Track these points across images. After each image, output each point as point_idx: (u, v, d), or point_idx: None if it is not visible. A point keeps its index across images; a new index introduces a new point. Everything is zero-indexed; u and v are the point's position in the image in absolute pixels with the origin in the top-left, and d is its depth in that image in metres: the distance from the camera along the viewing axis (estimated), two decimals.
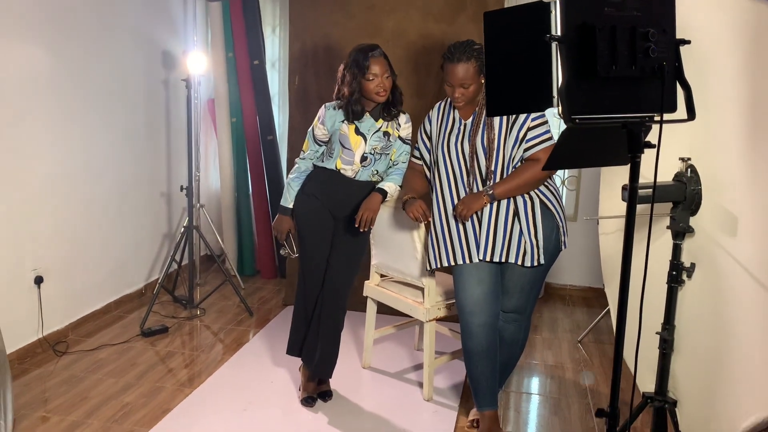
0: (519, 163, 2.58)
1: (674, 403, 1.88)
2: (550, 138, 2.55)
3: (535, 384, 3.37)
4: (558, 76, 1.18)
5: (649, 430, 1.91)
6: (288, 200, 2.93)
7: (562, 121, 1.22)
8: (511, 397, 3.20)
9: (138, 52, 4.25)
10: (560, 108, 1.18)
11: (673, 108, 1.28)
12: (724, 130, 1.74)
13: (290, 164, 4.34)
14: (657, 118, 1.26)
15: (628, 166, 1.34)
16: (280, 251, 3.03)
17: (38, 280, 3.50)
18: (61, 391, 3.10)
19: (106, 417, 2.87)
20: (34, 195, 3.46)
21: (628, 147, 1.27)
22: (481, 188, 2.60)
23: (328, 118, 2.84)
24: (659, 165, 1.95)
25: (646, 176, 2.17)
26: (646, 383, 2.10)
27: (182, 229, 4.25)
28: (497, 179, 2.57)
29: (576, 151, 1.30)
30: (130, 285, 4.36)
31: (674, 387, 1.88)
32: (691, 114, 1.30)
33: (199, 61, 4.04)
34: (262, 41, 4.81)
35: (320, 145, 2.90)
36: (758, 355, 1.61)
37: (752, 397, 1.61)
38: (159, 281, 4.20)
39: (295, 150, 4.30)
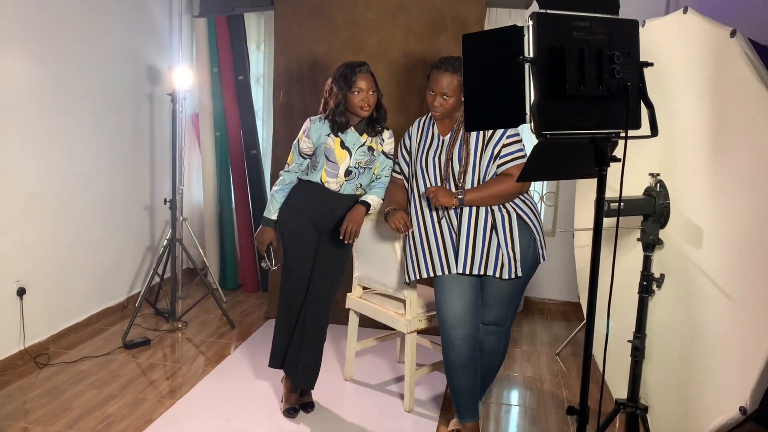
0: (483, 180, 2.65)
1: (645, 409, 1.95)
2: (524, 156, 2.63)
3: (514, 396, 3.43)
4: (531, 94, 1.26)
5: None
6: (271, 212, 2.98)
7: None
8: (490, 408, 3.26)
9: (123, 66, 4.30)
10: (532, 124, 1.25)
11: (637, 125, 1.36)
12: (688, 146, 1.83)
13: (274, 178, 4.39)
14: (622, 135, 1.34)
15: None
16: (261, 263, 3.08)
17: (20, 292, 3.50)
18: (43, 403, 3.10)
19: (88, 428, 2.88)
20: (17, 207, 3.48)
21: (595, 161, 1.35)
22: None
23: (313, 131, 2.91)
24: (631, 180, 2.04)
25: (614, 188, 2.26)
26: (619, 390, 2.17)
27: (165, 242, 4.27)
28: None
29: (547, 164, 1.37)
30: (112, 298, 4.37)
31: (645, 393, 1.95)
32: (654, 131, 1.38)
33: (185, 76, 4.10)
34: (246, 57, 4.88)
35: (305, 158, 2.96)
36: (724, 361, 1.69)
37: (717, 400, 1.69)
38: (141, 294, 4.21)
39: (279, 164, 4.35)
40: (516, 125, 1.33)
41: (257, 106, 5.01)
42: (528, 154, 2.57)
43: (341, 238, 2.81)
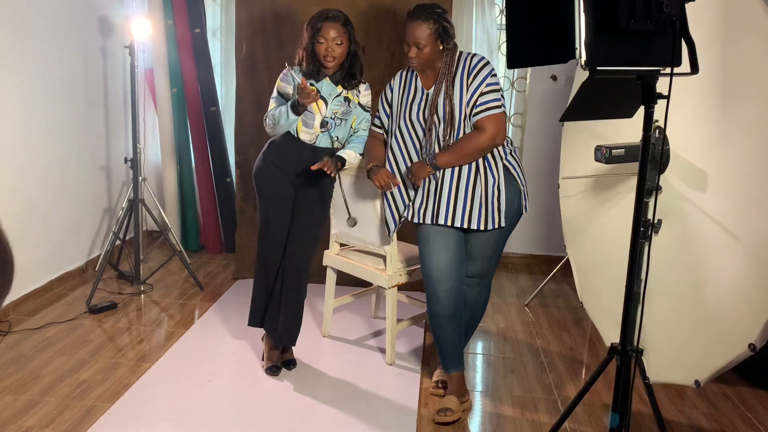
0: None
1: (640, 352, 2.01)
2: (500, 107, 2.60)
3: (490, 346, 3.50)
4: (580, 29, 1.23)
5: (615, 377, 2.03)
6: (282, 107, 2.73)
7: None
8: (469, 358, 3.31)
9: (73, 18, 4.04)
10: (582, 60, 1.23)
11: (678, 62, 1.37)
12: (694, 92, 1.85)
13: (238, 135, 4.26)
14: (665, 71, 1.34)
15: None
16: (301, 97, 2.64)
17: None
18: (10, 371, 2.97)
19: (63, 395, 2.78)
20: None
21: (642, 98, 1.34)
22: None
23: (291, 78, 2.82)
24: (629, 128, 2.05)
25: (612, 140, 2.28)
26: (612, 336, 2.23)
27: (124, 204, 4.11)
28: None
29: (589, 104, 1.36)
30: (71, 262, 4.19)
31: (642, 338, 2.01)
32: (695, 68, 1.39)
33: (144, 28, 3.89)
34: (203, 9, 4.67)
35: (286, 100, 2.85)
36: (729, 298, 1.75)
37: (723, 339, 1.75)
38: (102, 257, 4.05)
39: (242, 122, 4.23)
40: (564, 61, 1.31)
41: (215, 60, 4.82)
42: (504, 109, 2.59)
43: (325, 170, 2.70)
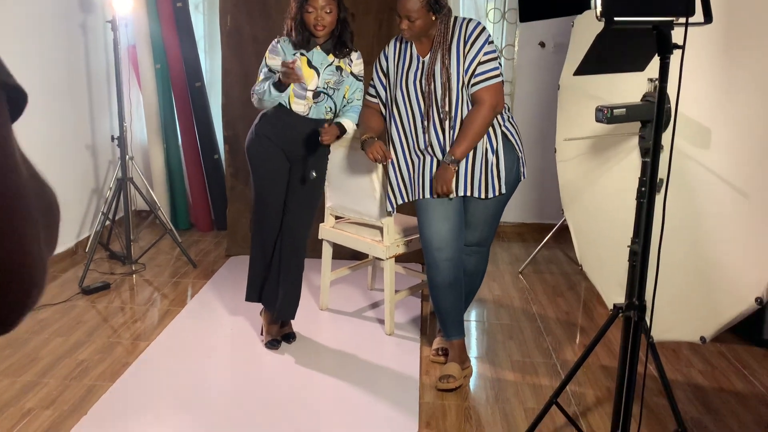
0: (470, 104, 2.59)
1: (644, 309, 2.03)
2: (498, 76, 2.58)
3: (487, 313, 3.52)
4: None
5: (620, 339, 2.05)
6: (268, 82, 2.68)
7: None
8: (467, 326, 3.33)
9: None
10: (598, 10, 1.21)
11: (693, 11, 1.35)
12: (696, 47, 1.83)
13: (225, 110, 4.20)
14: (680, 21, 1.32)
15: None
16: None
17: None
18: (7, 354, 2.93)
19: (62, 375, 2.75)
20: None
21: (658, 49, 1.33)
22: (438, 128, 2.62)
23: (280, 49, 2.77)
24: (628, 87, 2.04)
25: (607, 100, 2.27)
26: (615, 298, 2.25)
27: (112, 183, 4.05)
28: (455, 117, 2.59)
29: (603, 56, 1.35)
30: (60, 243, 4.11)
31: (645, 296, 2.02)
32: (708, 17, 1.37)
33: (125, 1, 3.79)
34: None
35: (274, 74, 2.81)
36: (736, 254, 1.76)
37: (729, 295, 1.77)
38: (92, 238, 4.00)
39: (229, 96, 4.17)
40: (579, 12, 1.29)
41: (198, 35, 4.73)
42: (502, 77, 2.56)
43: (321, 138, 2.68)
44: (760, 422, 2.48)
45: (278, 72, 2.70)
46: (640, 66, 1.36)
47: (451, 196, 2.62)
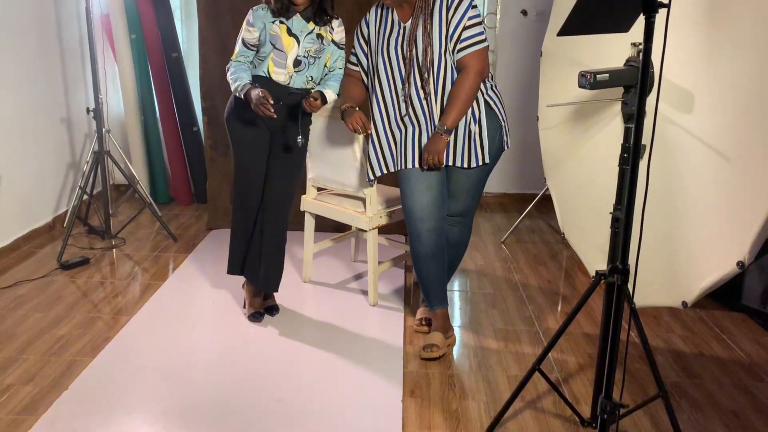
0: (454, 70, 2.55)
1: (627, 274, 2.03)
2: (484, 41, 2.55)
3: (470, 283, 3.53)
4: None
5: (603, 304, 2.06)
6: (244, 80, 2.66)
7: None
8: (451, 295, 3.33)
9: None
10: None
11: None
12: (678, 8, 1.81)
13: (203, 81, 4.12)
14: None
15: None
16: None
17: None
18: None
19: (41, 351, 2.72)
20: None
21: (643, 7, 1.30)
22: (420, 94, 2.58)
23: (257, 19, 2.71)
24: (613, 55, 2.02)
25: (591, 67, 2.25)
26: (597, 265, 2.25)
27: (89, 157, 3.96)
28: (436, 83, 2.56)
29: (588, 16, 1.32)
30: (37, 219, 4.06)
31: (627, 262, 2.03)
32: None
33: None
34: None
35: (250, 49, 2.75)
36: (717, 219, 1.76)
37: (710, 259, 1.78)
38: (70, 212, 3.93)
39: (207, 66, 4.08)
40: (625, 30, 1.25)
41: (174, 3, 4.62)
42: (487, 42, 2.53)
43: (306, 108, 2.65)
44: (738, 385, 2.52)
45: (260, 41, 2.66)
46: (624, 26, 1.33)
47: (442, 166, 2.60)
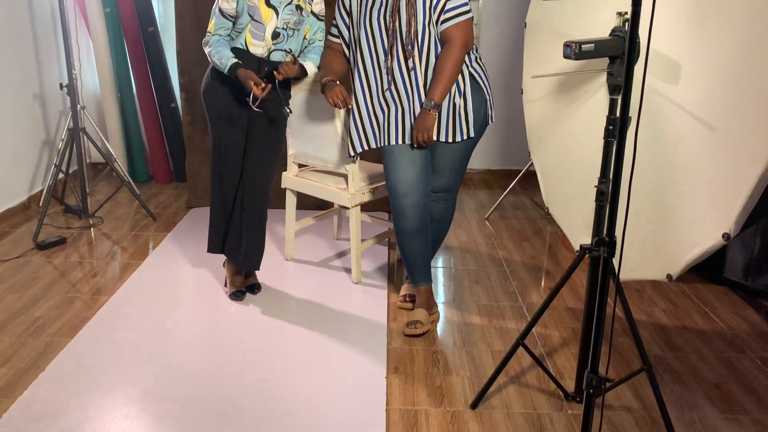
0: (438, 42, 2.50)
1: (613, 246, 2.01)
2: (468, 11, 2.49)
3: (454, 259, 3.51)
4: None
5: (587, 278, 2.04)
6: (228, 58, 2.59)
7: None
8: (435, 272, 3.31)
9: None
10: None
11: None
12: None
13: (181, 56, 4.02)
14: None
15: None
16: (255, 105, 2.60)
17: None
18: None
19: (17, 332, 2.66)
20: None
21: None
22: (403, 66, 2.53)
23: None
24: (598, 26, 1.98)
25: (577, 38, 2.21)
26: (581, 239, 2.24)
27: (64, 135, 3.87)
28: (420, 55, 2.50)
29: None
30: (11, 198, 3.96)
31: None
32: None
33: None
34: None
35: (228, 20, 2.67)
36: (703, 190, 1.75)
37: (695, 231, 1.76)
38: (46, 191, 3.85)
39: (185, 40, 3.98)
40: None
41: None
42: (472, 13, 2.47)
43: (278, 75, 2.59)
44: (720, 358, 2.54)
45: (231, 17, 2.59)
46: None
47: (432, 140, 2.55)
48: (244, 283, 3.01)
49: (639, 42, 1.83)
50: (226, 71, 2.59)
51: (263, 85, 2.55)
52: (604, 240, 1.69)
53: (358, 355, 2.51)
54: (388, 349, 2.57)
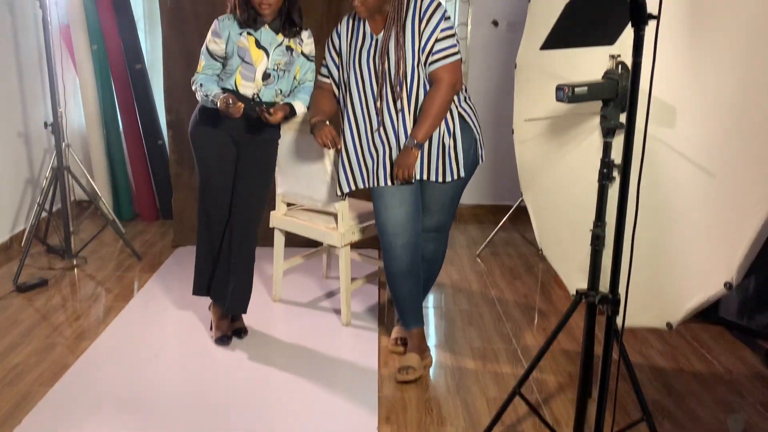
0: (426, 84, 2.48)
1: (618, 305, 1.97)
2: (457, 53, 2.48)
3: (445, 298, 3.44)
4: None
5: (584, 326, 1.99)
6: (213, 92, 2.56)
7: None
8: (426, 312, 3.24)
9: None
10: None
11: None
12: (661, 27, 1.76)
13: (168, 94, 3.99)
14: None
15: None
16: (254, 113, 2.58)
17: None
18: None
19: None
20: None
21: (632, 20, 1.23)
22: (392, 108, 2.50)
23: (222, 30, 2.60)
24: (590, 68, 1.96)
25: (567, 79, 2.20)
26: (577, 283, 2.19)
27: (48, 173, 3.80)
28: (409, 97, 2.48)
29: (573, 27, 1.25)
30: None
31: (607, 283, 1.97)
32: None
33: None
34: None
35: (216, 61, 2.64)
36: (702, 238, 1.71)
37: (696, 279, 1.72)
38: (28, 231, 3.76)
39: (172, 79, 3.95)
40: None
41: (137, 13, 4.48)
42: (460, 55, 2.46)
43: (267, 115, 2.55)
44: (720, 401, 2.48)
45: (220, 58, 2.57)
46: (610, 38, 1.27)
47: (412, 181, 2.52)
48: (230, 328, 2.92)
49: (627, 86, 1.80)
50: (210, 99, 2.55)
51: (234, 103, 2.48)
52: (608, 297, 1.64)
53: (348, 403, 2.43)
54: (379, 397, 2.49)
